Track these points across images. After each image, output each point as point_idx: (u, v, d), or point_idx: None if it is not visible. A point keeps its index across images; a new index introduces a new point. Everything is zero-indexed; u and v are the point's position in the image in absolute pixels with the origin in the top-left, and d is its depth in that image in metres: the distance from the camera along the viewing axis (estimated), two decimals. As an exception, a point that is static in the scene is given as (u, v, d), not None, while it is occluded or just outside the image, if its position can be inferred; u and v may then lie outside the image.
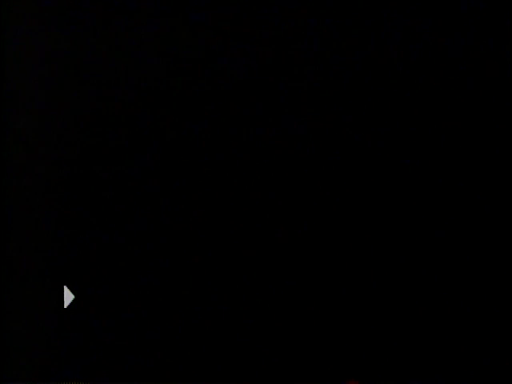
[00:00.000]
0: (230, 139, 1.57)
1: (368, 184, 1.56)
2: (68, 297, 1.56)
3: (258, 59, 1.58)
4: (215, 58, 1.58)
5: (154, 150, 1.57)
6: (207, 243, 1.56)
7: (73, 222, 1.57)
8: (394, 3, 1.57)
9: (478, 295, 1.54)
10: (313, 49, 1.57)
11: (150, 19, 1.59)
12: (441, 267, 1.55)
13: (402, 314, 1.54)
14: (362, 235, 1.56)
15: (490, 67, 1.57)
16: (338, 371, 1.54)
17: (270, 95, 1.57)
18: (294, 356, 1.54)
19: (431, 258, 1.55)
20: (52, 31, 1.59)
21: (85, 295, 1.56)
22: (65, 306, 1.56)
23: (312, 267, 1.55)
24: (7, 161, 1.57)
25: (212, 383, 1.55)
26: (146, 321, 1.55)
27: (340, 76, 1.57)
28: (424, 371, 1.53)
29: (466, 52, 1.57)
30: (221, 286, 1.56)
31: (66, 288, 1.56)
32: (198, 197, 1.57)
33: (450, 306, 1.54)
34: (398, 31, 1.57)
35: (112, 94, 1.58)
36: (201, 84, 1.58)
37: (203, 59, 1.58)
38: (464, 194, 1.56)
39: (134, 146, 1.58)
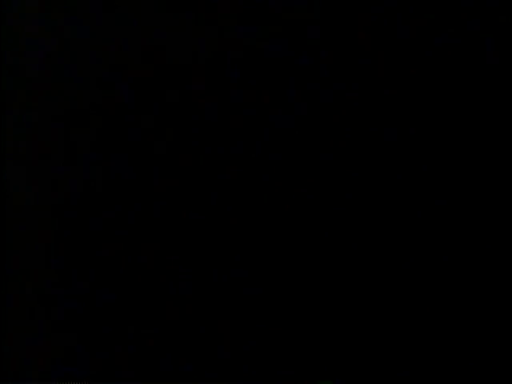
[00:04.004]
0: (229, 139, 1.57)
1: (368, 184, 1.56)
2: (68, 296, 1.56)
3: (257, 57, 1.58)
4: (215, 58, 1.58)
5: (154, 147, 1.58)
6: (206, 243, 1.56)
7: (73, 220, 1.57)
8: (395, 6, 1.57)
9: (479, 296, 1.54)
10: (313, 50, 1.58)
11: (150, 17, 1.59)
12: (441, 269, 1.55)
13: (403, 317, 1.54)
14: (362, 236, 1.56)
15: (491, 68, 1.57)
16: (338, 372, 1.54)
17: (268, 94, 1.58)
18: (294, 357, 1.54)
19: (431, 259, 1.55)
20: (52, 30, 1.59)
21: (85, 295, 1.56)
22: (65, 306, 1.56)
23: (311, 268, 1.56)
24: (7, 161, 1.57)
25: (212, 383, 1.55)
26: (147, 321, 1.55)
27: (340, 76, 1.58)
28: (424, 374, 1.54)
29: (466, 52, 1.57)
30: (220, 287, 1.56)
31: (65, 288, 1.56)
32: (197, 197, 1.57)
33: (450, 308, 1.54)
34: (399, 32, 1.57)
35: (112, 93, 1.58)
36: (201, 83, 1.58)
37: (203, 58, 1.58)
38: (464, 194, 1.56)
39: (134, 144, 1.58)
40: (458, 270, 1.54)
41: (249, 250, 1.56)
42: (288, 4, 1.57)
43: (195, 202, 1.57)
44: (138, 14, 1.58)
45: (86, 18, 1.59)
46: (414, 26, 1.57)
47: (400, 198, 1.56)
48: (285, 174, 1.57)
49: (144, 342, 1.55)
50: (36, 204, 1.57)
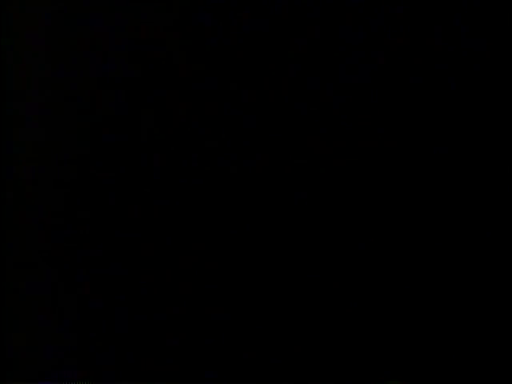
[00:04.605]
0: (229, 139, 1.57)
1: (368, 185, 1.56)
2: (68, 296, 1.56)
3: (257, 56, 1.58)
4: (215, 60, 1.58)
5: (156, 151, 1.58)
6: (206, 244, 1.56)
7: (73, 221, 1.57)
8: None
9: (478, 296, 1.54)
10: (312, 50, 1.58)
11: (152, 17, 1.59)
12: (441, 268, 1.55)
13: (403, 315, 1.54)
14: (362, 236, 1.56)
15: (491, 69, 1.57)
16: (338, 371, 1.54)
17: (268, 94, 1.58)
18: (294, 356, 1.54)
19: (431, 258, 1.55)
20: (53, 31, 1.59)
21: (85, 295, 1.56)
22: (64, 306, 1.56)
23: (311, 267, 1.56)
24: (7, 161, 1.57)
25: (212, 383, 1.55)
26: (146, 321, 1.55)
27: (340, 77, 1.58)
28: (424, 371, 1.53)
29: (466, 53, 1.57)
30: (220, 287, 1.56)
31: (65, 288, 1.56)
32: (197, 198, 1.57)
33: (450, 307, 1.54)
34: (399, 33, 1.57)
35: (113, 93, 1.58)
36: (201, 84, 1.58)
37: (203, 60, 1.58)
38: (465, 195, 1.56)
39: (135, 146, 1.58)
40: (458, 271, 1.54)
41: (248, 250, 1.56)
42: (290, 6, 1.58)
43: (196, 202, 1.57)
44: (139, 15, 1.59)
45: (86, 17, 1.59)
46: (410, 26, 1.57)
47: (400, 200, 1.56)
48: (285, 175, 1.57)
49: (144, 341, 1.55)
50: (36, 204, 1.57)
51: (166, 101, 1.58)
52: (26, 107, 1.58)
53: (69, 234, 1.57)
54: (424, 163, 1.56)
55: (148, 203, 1.57)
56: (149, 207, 1.57)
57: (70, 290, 1.56)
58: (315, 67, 1.57)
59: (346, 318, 1.54)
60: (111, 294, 1.55)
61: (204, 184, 1.57)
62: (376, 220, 1.55)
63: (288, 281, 1.55)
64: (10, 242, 1.56)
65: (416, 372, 1.53)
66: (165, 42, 1.58)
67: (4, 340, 1.54)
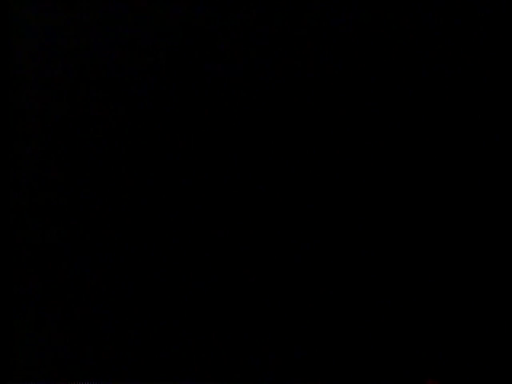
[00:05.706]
0: (230, 140, 1.58)
1: (368, 185, 1.57)
2: (68, 297, 1.56)
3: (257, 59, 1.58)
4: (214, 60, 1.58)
5: (156, 151, 1.58)
6: (207, 244, 1.57)
7: (73, 221, 1.57)
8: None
9: (478, 295, 1.54)
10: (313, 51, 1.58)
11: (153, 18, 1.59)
12: (441, 268, 1.55)
13: (403, 315, 1.54)
14: (362, 236, 1.56)
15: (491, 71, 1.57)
16: (338, 371, 1.54)
17: (269, 95, 1.58)
18: (295, 356, 1.55)
19: (431, 258, 1.55)
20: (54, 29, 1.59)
21: (85, 295, 1.56)
22: (64, 306, 1.56)
23: (312, 267, 1.56)
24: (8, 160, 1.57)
25: (212, 383, 1.55)
26: (146, 321, 1.55)
27: (340, 78, 1.58)
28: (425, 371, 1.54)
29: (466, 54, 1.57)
30: (221, 287, 1.56)
31: (65, 288, 1.56)
32: (198, 199, 1.57)
33: (450, 306, 1.54)
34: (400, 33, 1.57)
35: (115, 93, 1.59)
36: (201, 85, 1.59)
37: (204, 60, 1.59)
38: (464, 195, 1.56)
39: (136, 146, 1.58)
40: (457, 271, 1.55)
41: (249, 251, 1.56)
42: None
43: (197, 204, 1.57)
44: (139, 14, 1.59)
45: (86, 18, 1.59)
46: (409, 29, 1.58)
47: (399, 202, 1.56)
48: (285, 178, 1.57)
49: (144, 342, 1.55)
50: (38, 205, 1.57)
51: (164, 102, 1.58)
52: (26, 106, 1.58)
53: (69, 235, 1.57)
54: (424, 164, 1.56)
55: (148, 206, 1.57)
56: (149, 210, 1.57)
57: (70, 290, 1.56)
58: (315, 68, 1.58)
59: (346, 319, 1.54)
60: (111, 294, 1.56)
61: (204, 185, 1.57)
62: (376, 220, 1.56)
63: (288, 281, 1.55)
64: (11, 243, 1.56)
65: (417, 372, 1.53)
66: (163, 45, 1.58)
67: (5, 340, 1.54)
